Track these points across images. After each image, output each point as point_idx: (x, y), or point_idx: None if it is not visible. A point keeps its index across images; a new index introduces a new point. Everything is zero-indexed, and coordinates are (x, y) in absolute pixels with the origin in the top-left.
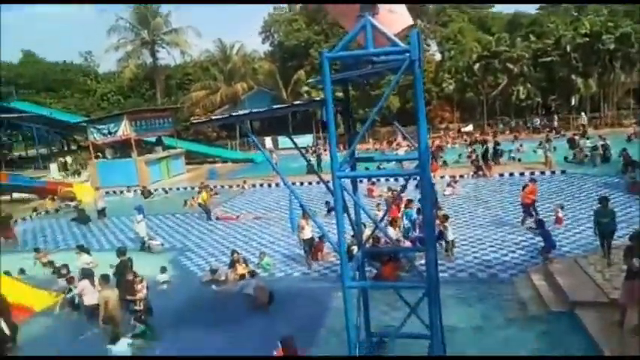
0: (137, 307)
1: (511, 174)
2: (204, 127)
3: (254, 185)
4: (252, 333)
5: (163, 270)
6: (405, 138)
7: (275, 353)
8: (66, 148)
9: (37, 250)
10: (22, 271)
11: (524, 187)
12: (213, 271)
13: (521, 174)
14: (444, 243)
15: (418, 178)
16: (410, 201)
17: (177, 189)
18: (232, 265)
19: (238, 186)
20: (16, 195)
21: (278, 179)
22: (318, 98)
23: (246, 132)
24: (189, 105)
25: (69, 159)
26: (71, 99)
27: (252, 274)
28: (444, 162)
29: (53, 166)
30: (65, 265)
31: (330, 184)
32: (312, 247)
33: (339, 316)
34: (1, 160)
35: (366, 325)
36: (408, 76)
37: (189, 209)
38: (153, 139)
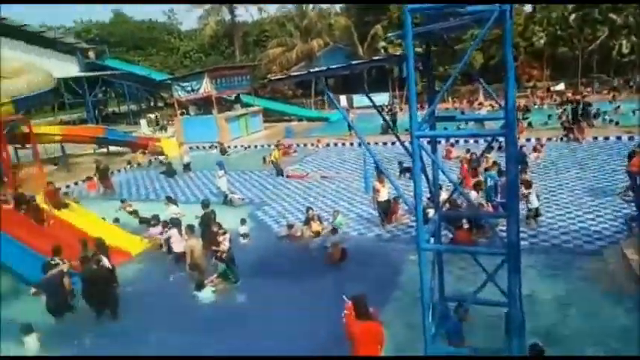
0: (216, 259)
1: (606, 138)
2: (281, 84)
3: (328, 144)
4: (325, 288)
5: (243, 222)
6: (488, 97)
7: (345, 311)
8: (153, 105)
9: (122, 200)
10: (116, 220)
11: (630, 155)
12: (290, 227)
13: (618, 138)
14: (526, 210)
15: (502, 139)
16: (495, 163)
17: (255, 146)
18: (307, 221)
19: (313, 145)
20: (112, 148)
21: (352, 139)
22: (398, 53)
23: (323, 89)
24: (266, 62)
25: (156, 115)
26: (156, 57)
27: (334, 230)
28: (529, 124)
29: (143, 122)
30: (155, 216)
31: (408, 144)
32: (387, 210)
33: (413, 277)
34: (98, 115)
35: (440, 289)
36: (494, 29)
37: (267, 166)
38: (232, 96)
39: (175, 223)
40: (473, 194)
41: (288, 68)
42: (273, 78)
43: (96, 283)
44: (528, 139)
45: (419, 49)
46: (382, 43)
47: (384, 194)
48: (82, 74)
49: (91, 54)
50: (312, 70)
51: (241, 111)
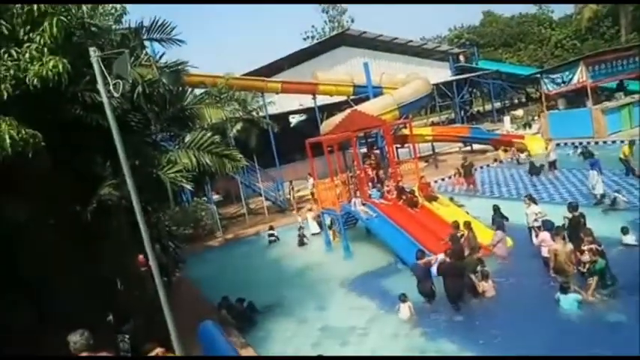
0: (582, 269)
1: None
2: None
3: None
4: None
5: (625, 231)
6: None
7: None
8: (517, 101)
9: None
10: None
11: None
12: None
13: None
14: None
15: None
16: None
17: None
18: None
19: None
20: (475, 146)
21: None
22: None
23: None
24: None
25: (519, 112)
26: (525, 51)
27: None
28: None
29: (506, 119)
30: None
31: None
32: None
33: None
34: (464, 115)
35: None
36: None
37: None
38: (612, 84)
39: (548, 227)
40: None
41: None
42: None
43: (450, 277)
44: None
45: None
46: None
47: None
48: (453, 78)
49: (461, 57)
50: None
51: (624, 100)
